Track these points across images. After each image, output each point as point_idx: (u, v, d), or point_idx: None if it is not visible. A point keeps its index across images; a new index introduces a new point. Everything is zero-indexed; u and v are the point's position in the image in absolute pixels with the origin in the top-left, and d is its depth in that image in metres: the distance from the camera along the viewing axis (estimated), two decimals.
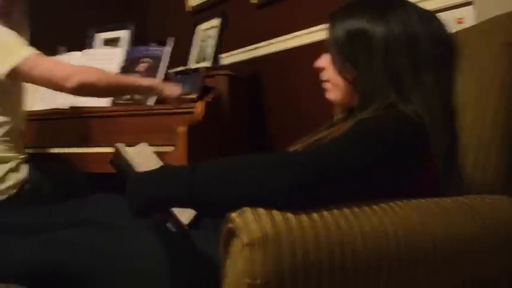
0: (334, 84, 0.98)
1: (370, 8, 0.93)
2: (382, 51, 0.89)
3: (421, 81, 0.88)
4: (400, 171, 0.79)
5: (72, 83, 1.44)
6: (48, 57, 1.51)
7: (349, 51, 0.93)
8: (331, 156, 0.74)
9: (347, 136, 0.81)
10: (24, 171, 1.52)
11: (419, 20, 0.91)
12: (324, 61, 0.99)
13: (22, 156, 1.55)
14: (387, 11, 0.91)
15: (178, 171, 0.80)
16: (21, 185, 1.50)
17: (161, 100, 1.85)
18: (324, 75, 1.00)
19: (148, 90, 1.64)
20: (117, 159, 0.95)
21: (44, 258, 0.89)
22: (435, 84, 0.89)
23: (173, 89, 1.67)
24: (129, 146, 1.04)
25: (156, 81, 1.64)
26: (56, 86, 1.47)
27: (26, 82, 1.50)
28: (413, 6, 0.94)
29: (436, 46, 0.91)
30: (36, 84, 1.51)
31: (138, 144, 1.17)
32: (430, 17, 0.94)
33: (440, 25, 0.94)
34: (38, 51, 1.48)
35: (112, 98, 2.01)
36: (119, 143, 1.00)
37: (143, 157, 1.11)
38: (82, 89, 1.46)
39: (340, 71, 0.95)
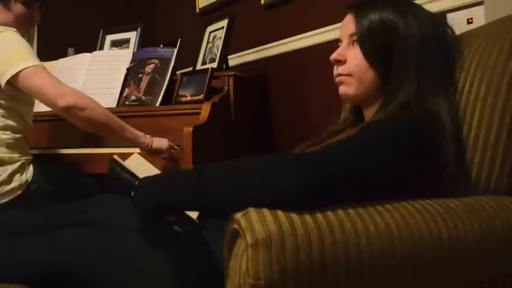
0: (358, 78, 0.94)
1: (396, 2, 0.93)
2: (414, 44, 0.89)
3: (436, 81, 0.88)
4: (410, 173, 0.79)
5: (64, 101, 1.42)
6: (49, 74, 1.50)
7: (383, 42, 0.91)
8: (339, 157, 0.74)
9: (357, 137, 0.80)
10: (29, 173, 1.53)
11: (430, 22, 0.92)
12: (345, 54, 0.96)
13: (27, 158, 1.56)
14: (412, 8, 0.93)
15: (184, 174, 0.80)
16: (26, 187, 1.51)
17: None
18: (345, 69, 0.96)
19: (135, 140, 1.55)
20: (115, 171, 0.94)
21: (50, 259, 0.89)
22: (446, 85, 0.89)
23: (162, 143, 1.60)
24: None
25: (146, 136, 1.57)
26: (48, 101, 1.46)
27: (23, 90, 1.49)
28: (423, 9, 0.96)
29: (445, 48, 0.91)
30: (32, 94, 1.51)
31: (132, 155, 1.17)
32: (439, 20, 0.95)
33: (447, 27, 0.96)
34: (41, 64, 1.49)
35: (118, 98, 2.02)
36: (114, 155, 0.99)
37: (139, 166, 1.12)
38: (72, 110, 1.43)
39: (372, 63, 0.92)
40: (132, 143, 1.57)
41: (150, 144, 1.56)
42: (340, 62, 0.96)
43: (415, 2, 0.98)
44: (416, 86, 0.88)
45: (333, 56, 0.97)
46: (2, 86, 1.48)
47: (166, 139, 1.62)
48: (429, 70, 0.89)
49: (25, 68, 1.44)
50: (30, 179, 1.53)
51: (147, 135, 1.58)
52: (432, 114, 0.85)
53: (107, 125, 1.52)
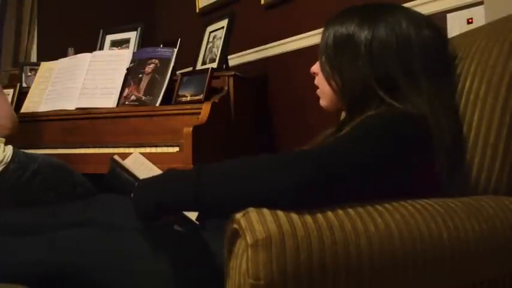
0: (322, 91, 0.99)
1: (360, 14, 0.93)
2: (367, 56, 0.88)
3: (419, 84, 0.87)
4: (403, 168, 0.78)
5: (13, 130, 1.52)
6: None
7: (335, 57, 0.93)
8: (334, 155, 0.74)
9: (350, 135, 0.80)
10: (8, 151, 1.53)
11: (409, 25, 0.89)
12: (316, 66, 1.00)
13: (1, 139, 1.57)
14: (377, 17, 0.91)
15: (183, 175, 0.80)
16: (6, 165, 1.51)
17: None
18: (316, 81, 1.00)
19: None
20: (115, 172, 0.94)
21: (49, 259, 0.89)
22: (433, 86, 0.87)
23: None
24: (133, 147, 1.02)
25: None
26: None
27: None
28: (406, 12, 0.93)
29: (428, 50, 0.89)
30: None
31: (131, 155, 1.17)
32: (421, 23, 0.91)
33: (433, 30, 0.92)
34: None
35: (118, 98, 2.02)
36: (116, 155, 0.99)
37: (139, 166, 1.11)
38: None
39: (327, 79, 0.95)
40: None
41: None
42: (315, 73, 1.00)
43: (397, 7, 0.95)
44: (389, 96, 0.86)
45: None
46: None
47: None
48: (413, 75, 0.87)
49: None
50: (10, 157, 1.52)
51: None
52: (422, 113, 0.84)
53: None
